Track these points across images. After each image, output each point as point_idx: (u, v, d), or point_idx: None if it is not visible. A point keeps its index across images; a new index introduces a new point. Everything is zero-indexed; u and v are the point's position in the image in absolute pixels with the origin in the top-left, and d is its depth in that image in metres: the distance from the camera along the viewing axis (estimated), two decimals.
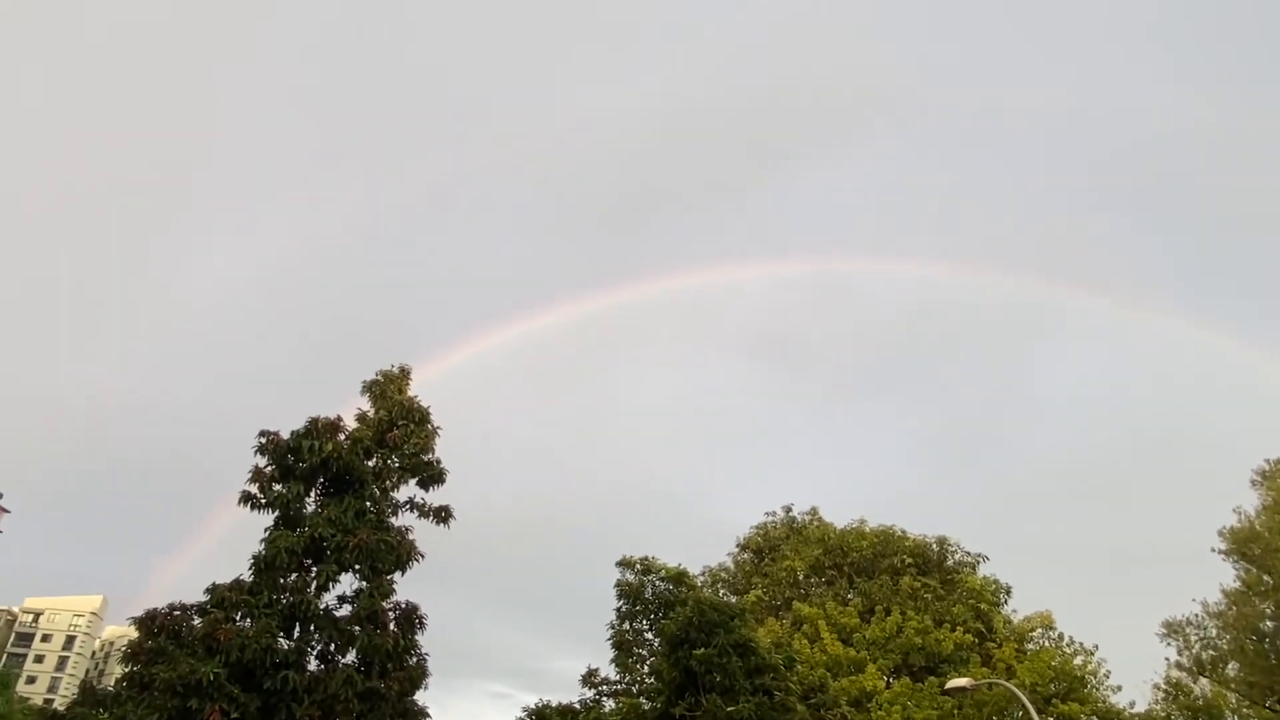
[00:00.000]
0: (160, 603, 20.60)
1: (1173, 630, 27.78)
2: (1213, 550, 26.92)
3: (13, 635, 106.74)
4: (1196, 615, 27.48)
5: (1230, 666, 26.24)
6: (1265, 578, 25.21)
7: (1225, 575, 27.18)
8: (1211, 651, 26.71)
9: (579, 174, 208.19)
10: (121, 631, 78.20)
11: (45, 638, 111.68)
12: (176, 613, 20.03)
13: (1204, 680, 26.57)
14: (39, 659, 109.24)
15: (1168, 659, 27.71)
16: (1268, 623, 25.36)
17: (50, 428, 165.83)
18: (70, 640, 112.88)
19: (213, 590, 20.21)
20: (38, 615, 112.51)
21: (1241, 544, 25.97)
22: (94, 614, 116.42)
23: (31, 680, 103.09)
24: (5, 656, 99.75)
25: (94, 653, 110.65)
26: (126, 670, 19.57)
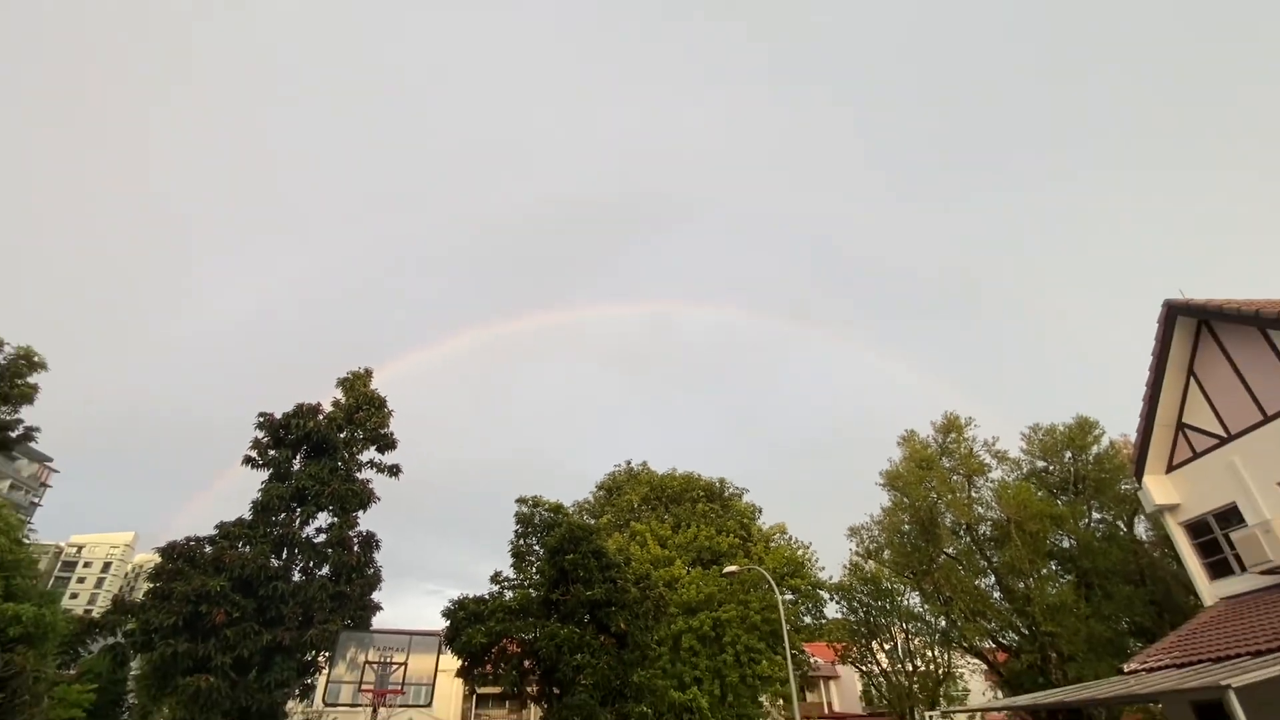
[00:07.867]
0: (179, 537, 24.90)
1: (854, 533, 40.06)
2: (876, 484, 38.65)
3: (59, 564, 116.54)
4: (867, 524, 39.48)
5: (884, 554, 38.28)
6: (905, 499, 36.62)
7: (884, 499, 38.91)
8: (875, 544, 38.93)
9: (495, 243, 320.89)
10: (148, 558, 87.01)
11: (86, 564, 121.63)
12: (192, 543, 24.38)
13: (871, 562, 39.34)
14: (80, 580, 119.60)
15: (851, 549, 40.41)
16: (905, 527, 36.87)
17: (99, 406, 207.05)
18: (106, 566, 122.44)
19: (220, 526, 25.24)
20: (80, 549, 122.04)
21: (892, 480, 37.58)
22: (127, 546, 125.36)
23: (74, 597, 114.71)
24: (53, 580, 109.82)
25: (125, 575, 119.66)
26: (151, 586, 23.28)
